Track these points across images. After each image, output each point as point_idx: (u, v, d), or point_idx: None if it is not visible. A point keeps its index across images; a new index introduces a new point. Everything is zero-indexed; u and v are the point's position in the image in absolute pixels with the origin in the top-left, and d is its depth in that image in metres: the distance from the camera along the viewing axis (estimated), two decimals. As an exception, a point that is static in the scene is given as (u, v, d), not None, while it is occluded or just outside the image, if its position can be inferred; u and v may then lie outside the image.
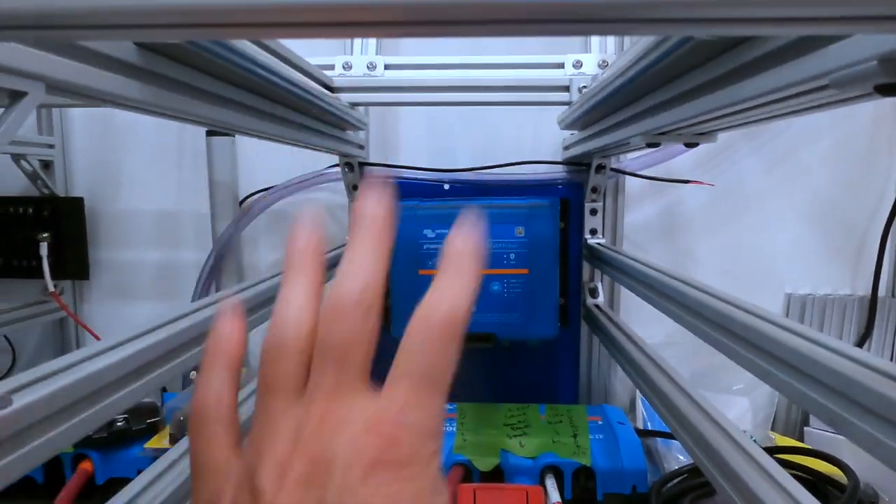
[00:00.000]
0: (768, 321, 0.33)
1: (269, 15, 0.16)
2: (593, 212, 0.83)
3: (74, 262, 0.92)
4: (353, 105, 0.69)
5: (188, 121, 0.42)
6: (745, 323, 0.34)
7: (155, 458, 0.45)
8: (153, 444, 0.64)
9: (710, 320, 0.39)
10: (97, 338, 0.87)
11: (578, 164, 0.83)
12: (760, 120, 0.34)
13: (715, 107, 0.28)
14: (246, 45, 0.39)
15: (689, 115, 0.31)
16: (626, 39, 0.70)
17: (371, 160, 0.86)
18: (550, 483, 0.62)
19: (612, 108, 0.50)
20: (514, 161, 0.84)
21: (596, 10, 0.15)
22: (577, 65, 0.67)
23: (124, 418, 0.66)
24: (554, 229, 0.75)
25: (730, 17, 0.15)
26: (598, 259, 0.77)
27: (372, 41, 0.74)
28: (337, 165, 0.83)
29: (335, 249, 0.76)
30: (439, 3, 0.15)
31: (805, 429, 0.84)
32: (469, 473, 0.63)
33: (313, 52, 0.65)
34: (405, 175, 0.84)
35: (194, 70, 0.36)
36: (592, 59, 0.67)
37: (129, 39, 0.28)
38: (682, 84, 0.32)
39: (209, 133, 0.88)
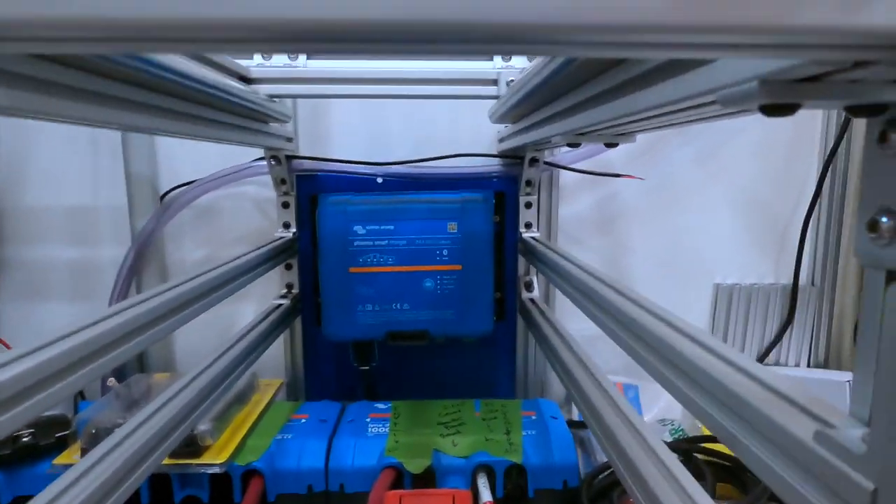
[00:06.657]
0: (674, 328, 0.33)
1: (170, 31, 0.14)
2: (528, 205, 0.83)
3: (-22, 261, 0.85)
4: (273, 97, 0.66)
5: (88, 125, 0.38)
6: (652, 332, 0.34)
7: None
8: (63, 459, 0.59)
9: (621, 324, 0.39)
10: (5, 345, 0.81)
11: (513, 158, 0.82)
12: (673, 124, 0.34)
13: (619, 114, 0.27)
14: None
15: (598, 119, 0.31)
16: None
17: (301, 152, 0.83)
18: (482, 482, 0.62)
19: (536, 105, 0.49)
20: (449, 154, 0.83)
21: (492, 32, 0.14)
22: (506, 58, 0.66)
23: (30, 433, 0.62)
24: (488, 224, 0.74)
25: (605, 41, 0.14)
26: (531, 254, 0.77)
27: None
28: (263, 159, 0.80)
29: (265, 245, 0.73)
30: (338, 20, 0.14)
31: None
32: (400, 476, 0.62)
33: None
34: (336, 168, 0.81)
35: (91, 74, 0.33)
36: (522, 53, 0.66)
37: (24, 52, 0.25)
38: (592, 88, 0.31)
39: (125, 123, 0.82)
